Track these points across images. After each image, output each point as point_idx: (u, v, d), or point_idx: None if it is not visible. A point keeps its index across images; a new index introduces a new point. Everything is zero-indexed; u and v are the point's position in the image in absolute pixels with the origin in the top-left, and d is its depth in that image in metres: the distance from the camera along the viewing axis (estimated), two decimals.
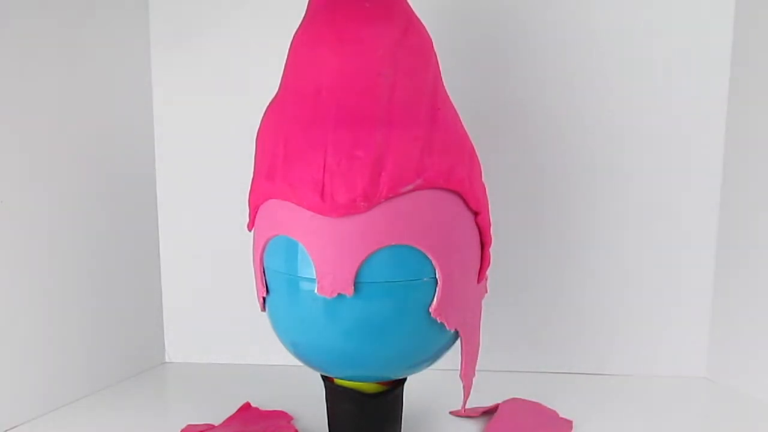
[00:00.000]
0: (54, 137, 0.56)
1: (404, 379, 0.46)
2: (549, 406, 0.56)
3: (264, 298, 0.44)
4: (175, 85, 0.68)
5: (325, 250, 0.38)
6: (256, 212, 0.43)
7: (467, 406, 0.49)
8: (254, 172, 0.43)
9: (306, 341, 0.42)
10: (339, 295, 0.38)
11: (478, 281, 0.44)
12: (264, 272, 0.43)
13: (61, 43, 0.57)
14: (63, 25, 0.57)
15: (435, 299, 0.40)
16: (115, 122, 0.63)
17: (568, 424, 0.53)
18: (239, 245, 0.55)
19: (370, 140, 0.38)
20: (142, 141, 0.67)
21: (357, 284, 0.38)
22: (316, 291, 0.39)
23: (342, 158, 0.38)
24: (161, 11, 0.67)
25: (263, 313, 0.46)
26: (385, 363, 0.42)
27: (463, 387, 0.45)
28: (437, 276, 0.40)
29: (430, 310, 0.40)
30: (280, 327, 0.44)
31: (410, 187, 0.38)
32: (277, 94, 0.44)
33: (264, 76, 0.50)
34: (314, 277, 0.39)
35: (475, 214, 0.42)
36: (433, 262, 0.39)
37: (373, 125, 0.39)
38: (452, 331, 0.42)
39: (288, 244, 0.40)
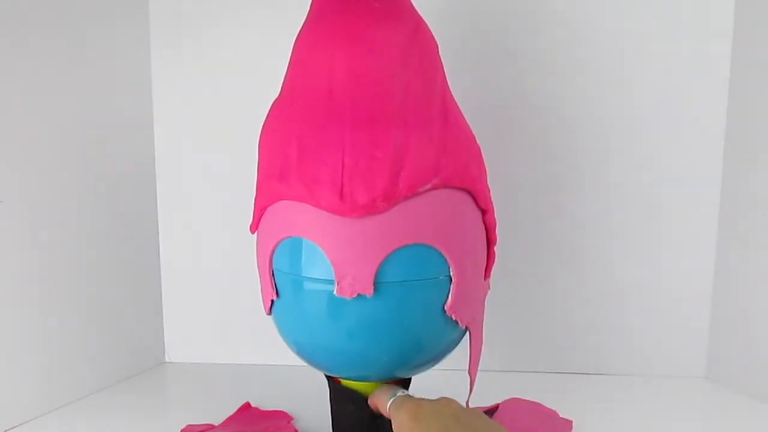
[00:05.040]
0: (54, 137, 0.56)
1: (410, 379, 0.47)
2: (549, 406, 0.57)
3: (272, 302, 0.43)
4: (175, 85, 0.67)
5: (345, 251, 0.38)
6: (262, 214, 0.42)
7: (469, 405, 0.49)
8: (260, 173, 0.43)
9: (320, 343, 0.41)
10: (358, 295, 0.38)
11: (484, 279, 0.44)
12: (273, 275, 0.42)
13: (61, 43, 0.56)
14: (63, 25, 0.57)
15: (450, 297, 0.40)
16: (115, 122, 0.63)
17: (568, 424, 0.53)
18: (239, 246, 0.55)
19: (388, 140, 0.38)
20: (142, 141, 0.67)
21: (376, 284, 0.38)
22: (334, 292, 0.38)
23: (360, 158, 0.37)
24: (161, 11, 0.67)
25: (263, 313, 0.45)
26: (398, 362, 0.41)
27: (470, 382, 0.46)
28: (451, 274, 0.40)
29: (446, 308, 0.40)
30: (290, 330, 0.43)
31: (428, 186, 0.38)
32: (281, 94, 0.43)
33: (264, 76, 0.50)
34: (332, 279, 0.38)
35: (483, 212, 0.43)
36: (449, 260, 0.39)
37: (390, 125, 0.38)
38: (462, 328, 0.42)
39: (302, 245, 0.40)
